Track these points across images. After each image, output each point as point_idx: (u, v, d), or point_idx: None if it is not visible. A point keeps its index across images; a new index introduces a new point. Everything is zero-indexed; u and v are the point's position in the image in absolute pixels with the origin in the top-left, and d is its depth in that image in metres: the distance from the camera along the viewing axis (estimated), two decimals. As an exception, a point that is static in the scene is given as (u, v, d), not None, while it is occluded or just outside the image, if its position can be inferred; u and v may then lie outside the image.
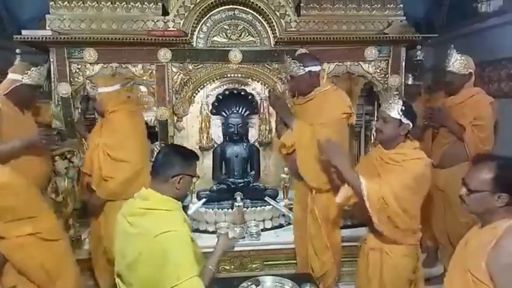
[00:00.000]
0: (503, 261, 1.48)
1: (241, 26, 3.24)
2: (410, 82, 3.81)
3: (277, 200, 3.40)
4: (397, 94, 2.82)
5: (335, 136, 2.52)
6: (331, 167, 2.29)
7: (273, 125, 3.87)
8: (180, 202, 1.82)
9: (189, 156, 1.85)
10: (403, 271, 2.27)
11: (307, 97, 2.69)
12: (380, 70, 3.28)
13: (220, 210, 3.26)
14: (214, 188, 3.48)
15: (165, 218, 1.72)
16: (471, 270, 1.56)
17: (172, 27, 3.11)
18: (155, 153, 1.96)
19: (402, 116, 2.22)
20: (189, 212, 3.18)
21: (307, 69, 2.63)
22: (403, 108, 2.23)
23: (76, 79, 3.07)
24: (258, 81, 3.39)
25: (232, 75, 3.32)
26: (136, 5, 3.11)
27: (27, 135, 2.54)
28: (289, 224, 3.20)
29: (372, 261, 2.31)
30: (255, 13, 3.20)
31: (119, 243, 1.80)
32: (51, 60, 3.04)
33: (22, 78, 2.59)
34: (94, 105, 2.79)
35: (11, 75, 2.62)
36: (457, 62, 3.00)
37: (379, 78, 3.29)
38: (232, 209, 3.23)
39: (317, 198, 2.66)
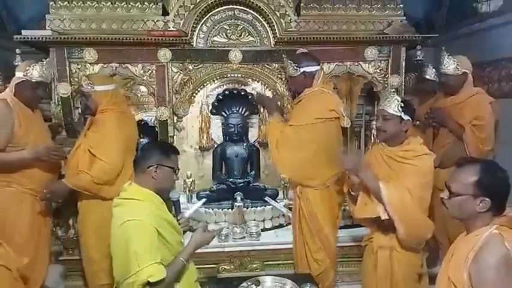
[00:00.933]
0: (484, 274, 1.43)
1: (241, 26, 3.23)
2: (430, 77, 3.71)
3: (277, 200, 3.40)
4: (394, 92, 2.83)
5: (308, 137, 2.63)
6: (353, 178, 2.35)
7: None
8: (157, 195, 1.91)
9: (166, 149, 1.98)
10: (413, 267, 2.32)
11: (298, 98, 2.78)
12: (380, 70, 3.28)
13: (220, 210, 3.26)
14: (214, 188, 3.48)
15: (132, 208, 1.83)
16: (454, 281, 1.53)
17: (172, 27, 3.11)
18: None
19: (402, 113, 2.23)
20: (189, 212, 3.18)
21: (301, 69, 2.71)
22: (402, 104, 2.24)
23: (76, 79, 3.06)
24: (258, 81, 3.38)
25: (232, 75, 3.32)
26: (136, 5, 3.11)
27: (36, 149, 2.56)
28: (289, 224, 3.20)
29: (381, 260, 2.32)
30: (255, 13, 3.20)
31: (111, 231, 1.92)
32: (51, 60, 3.04)
33: (24, 74, 2.61)
34: (86, 101, 2.79)
35: (16, 74, 2.65)
36: (449, 64, 3.02)
37: (379, 78, 3.29)
38: (232, 209, 3.23)
39: (302, 195, 2.70)
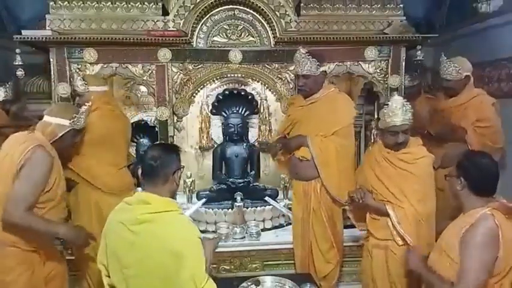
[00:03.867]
0: (470, 243, 1.68)
1: (241, 26, 3.24)
2: (407, 83, 3.79)
3: (277, 200, 3.40)
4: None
5: (349, 142, 2.64)
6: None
7: (273, 125, 3.88)
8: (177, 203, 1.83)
9: (177, 150, 1.89)
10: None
11: (311, 99, 2.66)
12: (380, 70, 3.28)
13: (220, 210, 3.25)
14: (214, 188, 3.48)
15: (175, 221, 1.72)
16: (446, 249, 1.77)
17: (172, 27, 3.11)
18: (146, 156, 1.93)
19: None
20: (189, 212, 3.18)
21: (321, 68, 2.61)
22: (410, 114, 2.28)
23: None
24: (258, 81, 3.39)
25: (232, 75, 3.33)
26: (136, 5, 3.11)
27: (73, 231, 2.23)
28: (289, 224, 3.20)
29: (375, 259, 2.35)
30: (255, 13, 3.20)
31: (117, 253, 1.73)
32: (51, 60, 3.04)
33: (70, 123, 2.27)
34: (79, 100, 2.74)
35: (55, 120, 2.25)
36: (450, 69, 3.00)
37: (379, 78, 3.29)
38: (232, 209, 3.23)
39: (323, 200, 2.67)
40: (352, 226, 3.23)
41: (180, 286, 1.64)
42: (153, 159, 1.77)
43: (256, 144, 3.65)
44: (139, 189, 2.02)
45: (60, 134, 2.23)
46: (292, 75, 3.18)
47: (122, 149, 2.82)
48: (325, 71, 2.70)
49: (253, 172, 3.72)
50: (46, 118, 2.26)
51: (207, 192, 3.42)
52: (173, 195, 1.83)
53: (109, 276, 1.77)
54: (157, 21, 3.12)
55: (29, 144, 2.07)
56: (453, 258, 1.72)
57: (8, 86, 3.71)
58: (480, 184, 1.79)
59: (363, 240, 2.55)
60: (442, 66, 3.04)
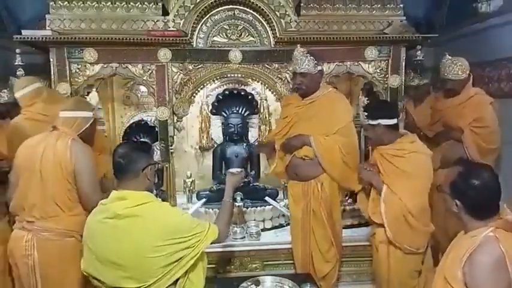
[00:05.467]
0: (477, 274, 1.48)
1: (241, 26, 3.23)
2: (417, 82, 3.79)
3: (277, 200, 3.40)
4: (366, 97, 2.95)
5: (351, 139, 2.66)
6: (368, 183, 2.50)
7: (273, 125, 3.88)
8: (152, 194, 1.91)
9: (145, 148, 1.97)
10: (409, 263, 2.35)
11: (310, 99, 2.69)
12: (380, 70, 3.28)
13: (220, 210, 3.25)
14: (214, 188, 3.48)
15: (158, 209, 1.82)
16: (449, 280, 1.57)
17: (172, 27, 3.11)
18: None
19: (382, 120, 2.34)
20: (189, 212, 3.18)
21: (319, 67, 2.65)
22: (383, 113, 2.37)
23: (76, 79, 3.07)
24: (258, 81, 3.38)
25: (232, 75, 3.32)
26: (136, 5, 3.11)
27: None
28: (289, 224, 3.20)
29: (381, 255, 2.41)
30: (255, 13, 3.20)
31: (104, 253, 1.76)
32: (51, 60, 3.04)
33: (93, 114, 2.45)
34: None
35: (79, 113, 2.37)
36: (456, 69, 3.00)
37: (379, 78, 3.29)
38: (232, 209, 3.23)
39: (322, 200, 2.67)
40: (352, 226, 3.26)
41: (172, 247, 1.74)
42: (121, 157, 1.83)
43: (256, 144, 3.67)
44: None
45: (87, 126, 2.38)
46: (292, 75, 3.17)
47: None
48: (322, 70, 2.71)
49: (253, 172, 3.72)
50: (68, 114, 2.36)
51: (207, 192, 3.43)
52: (149, 191, 1.89)
53: (96, 279, 1.80)
54: (157, 21, 3.12)
55: (67, 140, 2.23)
56: None
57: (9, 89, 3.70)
58: (479, 207, 1.60)
59: (370, 237, 2.59)
60: (447, 66, 3.03)
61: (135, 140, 3.74)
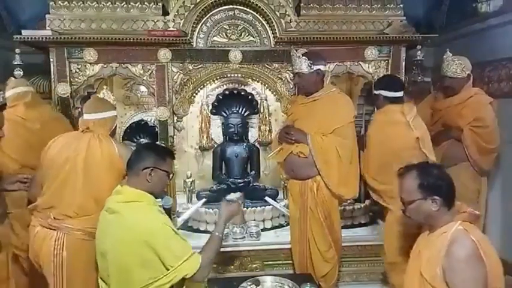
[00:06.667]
0: (456, 267, 1.54)
1: (241, 26, 3.23)
2: (419, 79, 3.77)
3: (277, 200, 3.40)
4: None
5: (349, 140, 2.65)
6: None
7: (273, 125, 3.88)
8: (152, 196, 1.86)
9: (162, 152, 1.93)
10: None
11: (312, 97, 2.71)
12: (380, 70, 3.28)
13: (220, 210, 3.25)
14: (214, 188, 3.48)
15: (140, 211, 1.77)
16: (428, 279, 1.61)
17: (172, 27, 3.11)
18: None
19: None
20: (189, 212, 3.19)
21: (315, 67, 2.64)
22: None
23: (76, 79, 3.07)
24: (258, 81, 3.38)
25: (232, 75, 3.32)
26: (136, 5, 3.11)
27: None
28: (289, 224, 3.20)
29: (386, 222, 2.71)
30: (255, 13, 3.20)
31: (99, 240, 1.85)
32: (51, 60, 3.04)
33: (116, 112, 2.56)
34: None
35: (108, 114, 2.44)
36: (455, 67, 3.00)
37: (379, 78, 3.28)
38: (232, 209, 3.23)
39: (320, 199, 2.67)
40: (352, 226, 3.26)
41: (152, 268, 1.70)
42: (134, 152, 1.90)
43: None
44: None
45: (115, 124, 2.49)
46: (292, 75, 3.18)
47: None
48: (322, 70, 2.71)
49: (253, 172, 3.72)
50: (97, 115, 2.38)
51: (207, 192, 3.43)
52: (152, 194, 1.85)
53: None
54: (157, 21, 3.12)
55: (110, 140, 2.31)
56: (437, 287, 1.60)
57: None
58: (451, 195, 1.69)
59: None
60: (446, 63, 3.04)
61: (136, 140, 3.75)
